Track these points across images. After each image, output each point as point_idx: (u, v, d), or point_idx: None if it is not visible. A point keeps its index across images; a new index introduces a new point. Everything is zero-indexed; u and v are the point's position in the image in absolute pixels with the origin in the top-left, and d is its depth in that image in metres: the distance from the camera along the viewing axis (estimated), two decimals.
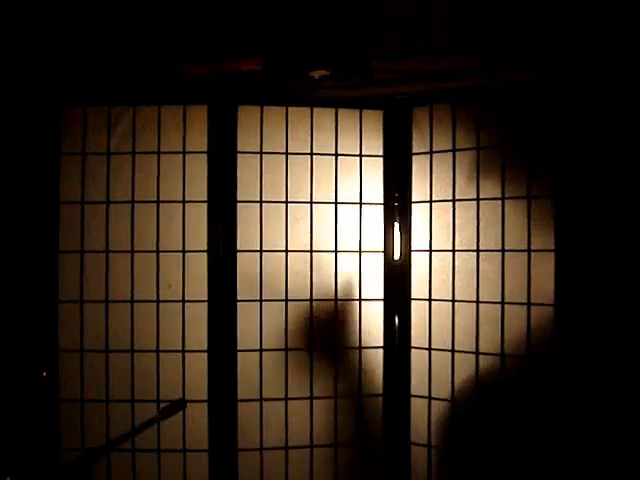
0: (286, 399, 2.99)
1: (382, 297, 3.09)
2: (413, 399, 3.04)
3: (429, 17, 2.50)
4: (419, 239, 3.07)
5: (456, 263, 2.97)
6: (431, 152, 3.04)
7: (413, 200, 3.08)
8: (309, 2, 2.40)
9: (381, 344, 3.07)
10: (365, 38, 2.59)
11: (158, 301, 2.94)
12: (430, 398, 3.01)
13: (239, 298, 2.96)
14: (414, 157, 3.08)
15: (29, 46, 2.59)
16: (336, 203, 3.07)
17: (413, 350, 3.05)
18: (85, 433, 2.90)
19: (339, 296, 3.05)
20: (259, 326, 2.98)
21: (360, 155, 3.10)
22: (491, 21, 2.51)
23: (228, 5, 2.36)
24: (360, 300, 3.07)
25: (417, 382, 3.05)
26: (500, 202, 2.86)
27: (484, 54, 2.65)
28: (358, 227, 3.09)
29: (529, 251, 2.79)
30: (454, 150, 2.99)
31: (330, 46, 2.57)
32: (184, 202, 2.97)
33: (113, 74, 2.74)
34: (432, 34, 2.58)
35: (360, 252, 3.09)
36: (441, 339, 2.99)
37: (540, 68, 2.73)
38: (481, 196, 2.92)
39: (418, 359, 3.05)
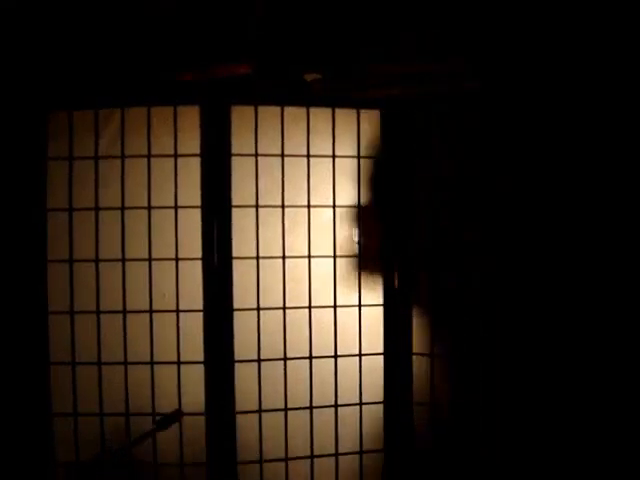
0: (285, 409, 2.92)
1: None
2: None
3: None
4: None
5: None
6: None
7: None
8: (299, 8, 2.30)
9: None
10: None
11: (151, 311, 2.84)
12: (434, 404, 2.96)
13: (235, 307, 2.87)
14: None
15: (14, 48, 2.46)
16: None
17: None
18: (80, 447, 2.82)
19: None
20: (257, 335, 2.90)
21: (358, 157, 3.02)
22: None
23: (217, 9, 2.23)
24: (359, 306, 3.00)
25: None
26: None
27: None
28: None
29: None
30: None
31: (318, 50, 2.48)
32: (176, 208, 2.86)
33: (99, 77, 2.62)
34: None
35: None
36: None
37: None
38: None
39: None
